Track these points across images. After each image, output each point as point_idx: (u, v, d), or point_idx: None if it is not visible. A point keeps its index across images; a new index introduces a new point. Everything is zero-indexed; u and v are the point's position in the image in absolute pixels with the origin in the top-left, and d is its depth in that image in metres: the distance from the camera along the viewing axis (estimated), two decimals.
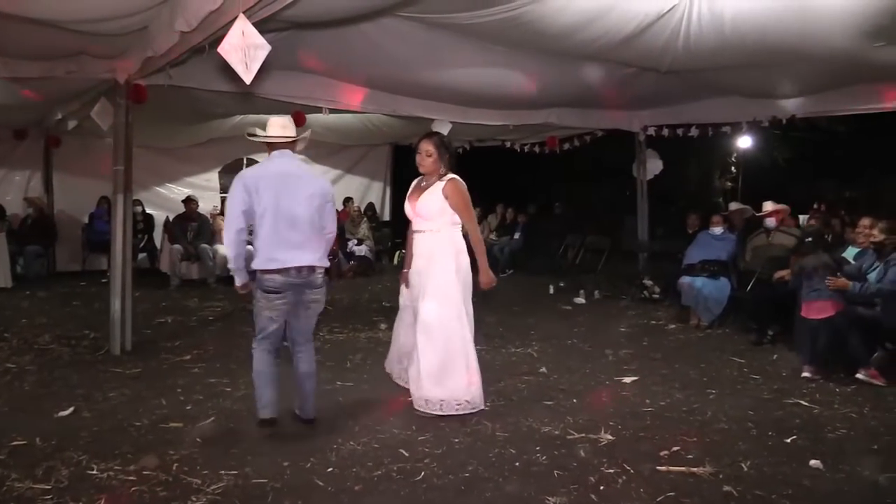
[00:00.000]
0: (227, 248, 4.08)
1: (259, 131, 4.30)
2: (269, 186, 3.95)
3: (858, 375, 5.30)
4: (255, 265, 4.01)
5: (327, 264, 4.28)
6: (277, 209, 3.94)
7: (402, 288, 4.83)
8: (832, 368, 5.43)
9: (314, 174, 4.40)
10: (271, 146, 4.17)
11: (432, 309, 4.44)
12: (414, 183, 4.71)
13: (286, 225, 3.96)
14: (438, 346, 4.44)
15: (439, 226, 4.52)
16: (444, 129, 8.51)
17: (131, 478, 3.52)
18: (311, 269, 4.06)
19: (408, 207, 4.67)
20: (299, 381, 4.27)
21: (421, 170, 4.59)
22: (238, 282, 4.12)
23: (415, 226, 4.64)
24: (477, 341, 6.58)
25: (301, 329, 4.23)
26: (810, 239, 6.00)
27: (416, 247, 4.61)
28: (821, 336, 5.41)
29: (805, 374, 5.47)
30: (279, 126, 4.15)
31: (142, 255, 10.89)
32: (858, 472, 3.67)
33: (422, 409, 4.46)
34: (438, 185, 4.50)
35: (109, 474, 3.56)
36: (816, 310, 5.48)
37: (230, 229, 3.98)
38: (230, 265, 4.20)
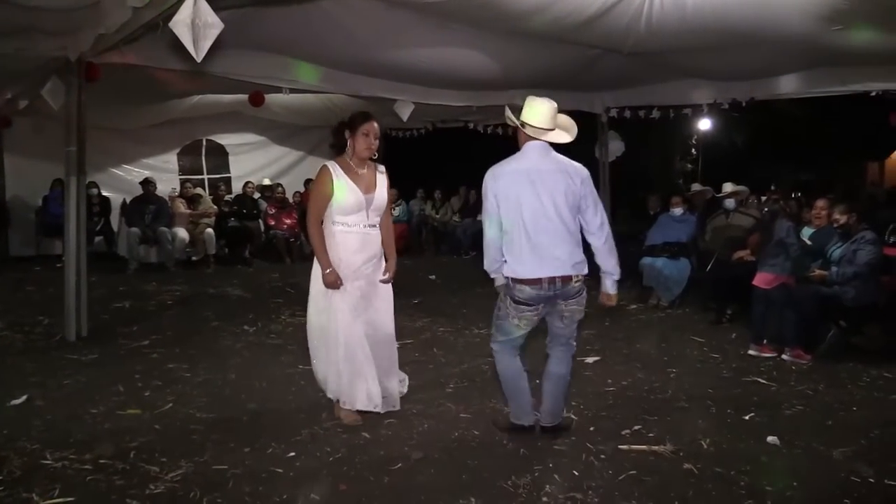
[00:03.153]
0: None
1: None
2: None
3: (784, 356, 5.46)
4: None
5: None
6: None
7: (346, 299, 3.98)
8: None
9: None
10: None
11: (391, 311, 4.22)
12: (339, 169, 3.97)
13: None
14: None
15: (381, 219, 4.13)
16: (406, 111, 8.46)
17: (87, 467, 3.44)
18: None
19: (361, 199, 3.96)
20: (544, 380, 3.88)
21: (367, 154, 3.99)
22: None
23: (357, 220, 3.99)
24: (439, 323, 6.66)
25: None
26: (767, 211, 6.13)
27: (363, 244, 4.01)
28: (766, 309, 5.58)
29: (751, 351, 5.60)
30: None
31: (98, 239, 10.64)
32: (814, 447, 3.76)
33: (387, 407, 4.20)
34: (383, 177, 4.09)
35: (64, 463, 3.48)
36: (764, 280, 5.64)
37: None
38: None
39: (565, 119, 3.77)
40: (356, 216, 3.98)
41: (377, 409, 4.05)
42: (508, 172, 3.64)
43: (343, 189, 3.92)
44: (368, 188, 4.01)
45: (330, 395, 4.16)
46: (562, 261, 3.56)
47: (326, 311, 4.01)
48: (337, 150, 4.08)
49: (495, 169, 3.69)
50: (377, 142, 4.01)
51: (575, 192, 3.60)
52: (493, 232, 3.65)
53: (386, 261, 4.19)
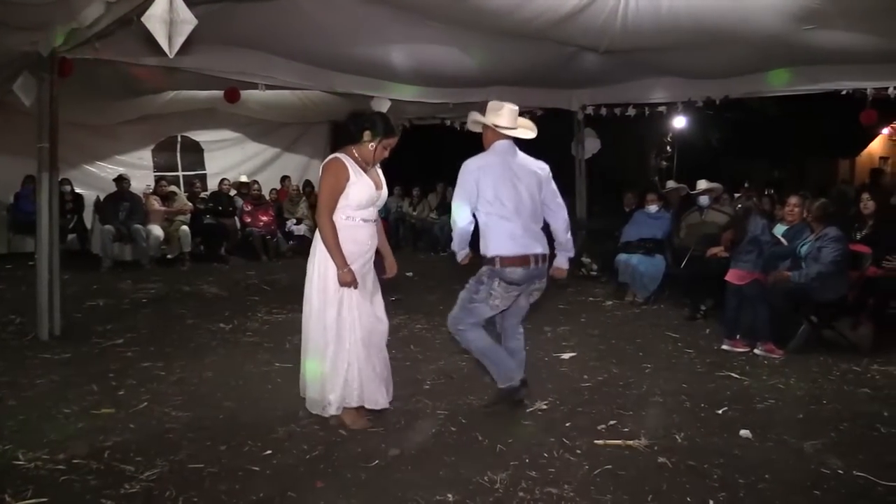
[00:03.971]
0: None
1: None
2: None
3: (756, 351, 5.54)
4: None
5: None
6: None
7: (358, 296, 3.89)
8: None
9: None
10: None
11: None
12: (353, 163, 3.88)
13: None
14: None
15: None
16: (384, 107, 8.43)
17: (60, 467, 3.41)
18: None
19: (374, 194, 3.94)
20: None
21: (377, 160, 3.98)
22: None
23: (369, 215, 3.95)
24: (415, 320, 6.66)
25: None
26: (741, 208, 6.19)
27: (370, 238, 3.97)
28: (739, 305, 5.65)
29: (724, 346, 5.67)
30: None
31: (71, 236, 10.50)
32: (785, 440, 3.83)
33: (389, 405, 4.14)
34: (380, 171, 4.09)
35: (37, 464, 3.44)
36: (738, 276, 5.70)
37: None
38: None
39: (524, 120, 4.24)
40: (367, 211, 3.93)
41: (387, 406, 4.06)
42: (490, 164, 4.06)
43: (358, 184, 3.84)
44: (377, 184, 3.98)
45: (331, 409, 3.90)
46: (541, 242, 4.11)
47: (337, 309, 3.84)
48: (348, 139, 3.94)
49: (475, 161, 4.10)
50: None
51: (541, 185, 4.16)
52: (467, 215, 4.07)
53: (381, 256, 4.18)
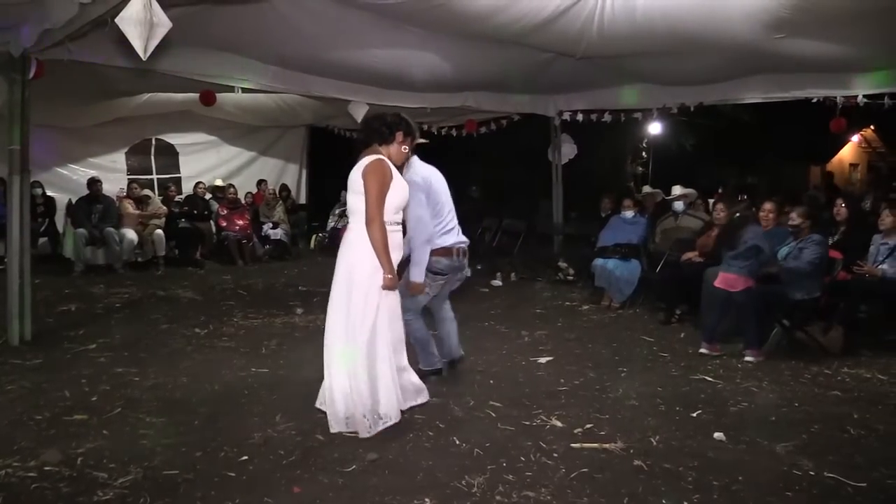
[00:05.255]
0: None
1: None
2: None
3: (747, 358, 5.52)
4: None
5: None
6: None
7: (391, 299, 3.97)
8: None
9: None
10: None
11: None
12: (391, 165, 3.93)
13: None
14: None
15: None
16: (361, 111, 8.42)
17: (32, 474, 3.36)
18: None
19: (407, 196, 4.05)
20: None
21: (405, 160, 4.16)
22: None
23: (400, 218, 4.03)
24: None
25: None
26: (739, 216, 6.23)
27: (402, 241, 4.08)
28: (724, 310, 5.68)
29: (702, 350, 5.71)
30: None
31: (43, 240, 10.34)
32: (758, 442, 3.87)
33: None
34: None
35: (7, 471, 3.39)
36: (728, 282, 5.68)
37: None
38: None
39: None
40: (399, 214, 3.97)
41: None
42: (426, 175, 4.43)
43: (398, 185, 3.87)
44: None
45: (382, 422, 3.88)
46: (462, 237, 4.63)
47: (376, 315, 3.82)
48: (379, 139, 3.94)
49: (417, 174, 4.36)
50: None
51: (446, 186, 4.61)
52: (429, 215, 4.38)
53: None
